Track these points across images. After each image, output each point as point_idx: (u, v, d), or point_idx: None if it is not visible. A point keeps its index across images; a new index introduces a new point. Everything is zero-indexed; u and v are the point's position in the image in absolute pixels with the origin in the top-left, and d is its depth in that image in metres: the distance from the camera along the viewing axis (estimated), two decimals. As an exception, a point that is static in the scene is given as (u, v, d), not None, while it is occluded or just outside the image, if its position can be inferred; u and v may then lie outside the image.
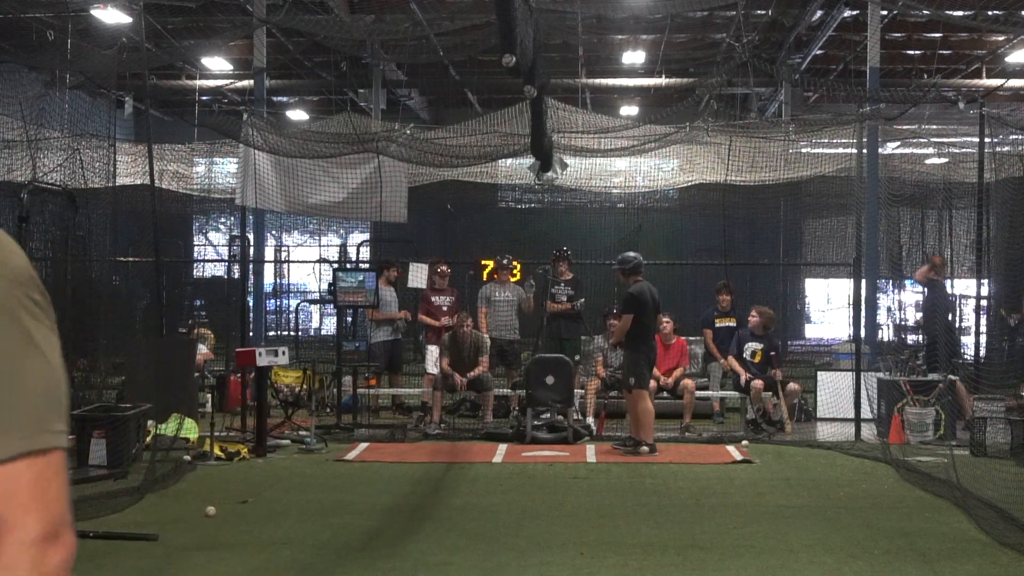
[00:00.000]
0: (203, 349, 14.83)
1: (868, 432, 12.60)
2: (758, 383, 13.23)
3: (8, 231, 1.27)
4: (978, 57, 21.22)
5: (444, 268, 14.64)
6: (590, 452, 11.59)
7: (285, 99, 26.43)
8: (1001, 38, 19.77)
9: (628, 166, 19.18)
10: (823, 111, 21.64)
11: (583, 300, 14.13)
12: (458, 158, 15.39)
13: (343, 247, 26.09)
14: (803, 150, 17.71)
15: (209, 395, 13.45)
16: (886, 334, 18.51)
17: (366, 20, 17.95)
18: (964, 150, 17.91)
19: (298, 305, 21.39)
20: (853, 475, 10.39)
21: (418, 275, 14.92)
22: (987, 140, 12.89)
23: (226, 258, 17.18)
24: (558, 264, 14.19)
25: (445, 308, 14.37)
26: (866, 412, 12.71)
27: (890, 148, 19.12)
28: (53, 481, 1.28)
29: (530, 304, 14.14)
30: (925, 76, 21.20)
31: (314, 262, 24.60)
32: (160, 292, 13.80)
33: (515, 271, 15.55)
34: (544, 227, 21.91)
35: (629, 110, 25.00)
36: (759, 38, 19.67)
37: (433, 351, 13.87)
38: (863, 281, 13.53)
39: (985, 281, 14.48)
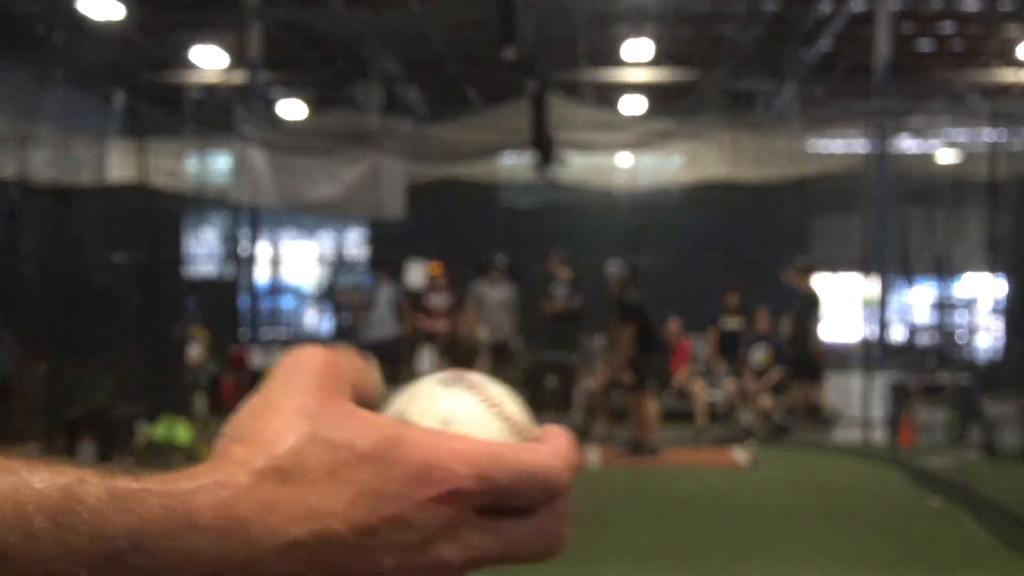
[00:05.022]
0: (196, 349, 14.69)
1: (877, 434, 12.46)
2: (729, 384, 13.14)
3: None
4: (991, 52, 21.03)
5: (435, 267, 14.46)
6: (592, 454, 11.43)
7: (280, 94, 26.31)
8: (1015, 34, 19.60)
9: (630, 162, 19.05)
10: (831, 107, 21.48)
11: (579, 300, 13.97)
12: (457, 154, 15.28)
13: (339, 245, 25.97)
14: (810, 146, 17.57)
15: (202, 396, 13.33)
16: (896, 334, 18.33)
17: (363, 14, 17.86)
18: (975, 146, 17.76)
19: (294, 304, 21.27)
20: (861, 478, 10.36)
21: (417, 274, 14.79)
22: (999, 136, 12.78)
23: (220, 256, 17.04)
24: (556, 263, 14.03)
25: (440, 308, 14.17)
26: (875, 413, 12.55)
27: (900, 144, 18.95)
28: None
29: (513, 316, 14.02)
30: (936, 71, 21.04)
31: (310, 260, 24.47)
32: (152, 291, 13.68)
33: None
34: (544, 226, 21.73)
35: (632, 105, 24.85)
36: (765, 32, 19.52)
37: (426, 352, 13.79)
38: (872, 280, 13.40)
39: (997, 280, 14.33)
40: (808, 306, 13.53)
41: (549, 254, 14.14)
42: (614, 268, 11.61)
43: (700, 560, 7.13)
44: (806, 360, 13.21)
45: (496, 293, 13.97)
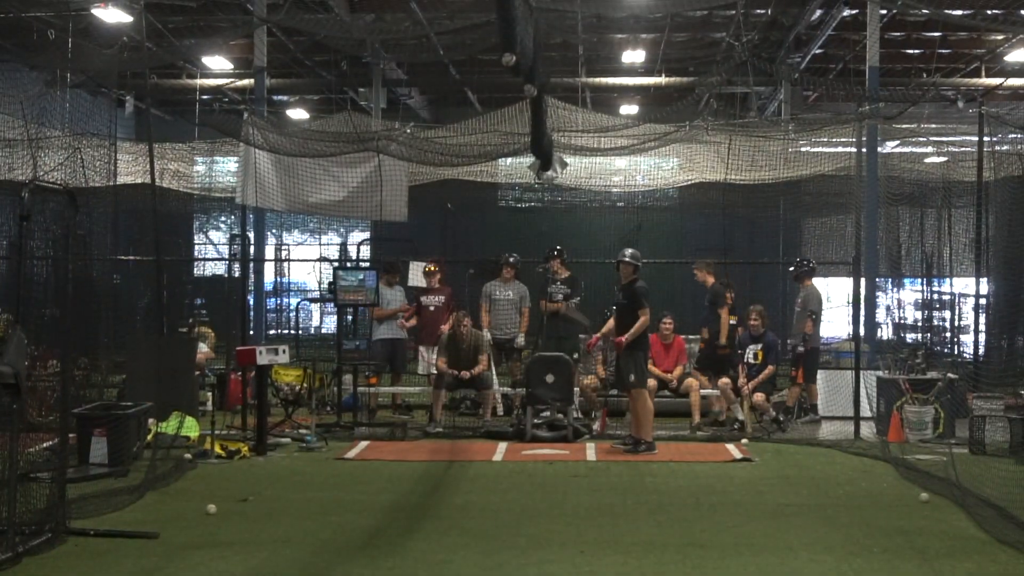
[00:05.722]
0: (203, 348, 14.84)
1: (867, 430, 12.63)
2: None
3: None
4: (977, 56, 21.21)
5: (431, 267, 14.54)
6: (590, 450, 11.61)
7: (285, 98, 26.42)
8: (1000, 37, 19.77)
9: (628, 165, 19.18)
10: (822, 110, 21.67)
11: (578, 299, 14.11)
12: (458, 157, 15.40)
13: (343, 246, 26.12)
14: (802, 149, 17.71)
15: (210, 393, 13.47)
16: (885, 333, 18.52)
17: (366, 19, 17.97)
18: (963, 149, 17.92)
19: (298, 304, 21.41)
20: (852, 473, 10.42)
21: (419, 274, 14.92)
22: (986, 139, 12.92)
23: (226, 257, 17.19)
24: (553, 263, 14.15)
25: (432, 308, 14.31)
26: (865, 410, 12.73)
27: (889, 147, 19.12)
28: None
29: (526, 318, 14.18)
30: (924, 75, 21.21)
31: (314, 261, 24.61)
32: (161, 291, 13.81)
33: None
34: (544, 226, 21.90)
35: (629, 109, 24.99)
36: (759, 37, 19.68)
37: (423, 352, 13.93)
38: (862, 280, 13.54)
39: (984, 280, 14.49)
40: (712, 303, 13.79)
41: (549, 254, 14.25)
42: (627, 258, 11.71)
43: (696, 553, 7.24)
44: (716, 353, 13.50)
45: (507, 291, 14.12)
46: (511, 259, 14.20)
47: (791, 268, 14.88)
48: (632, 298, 11.58)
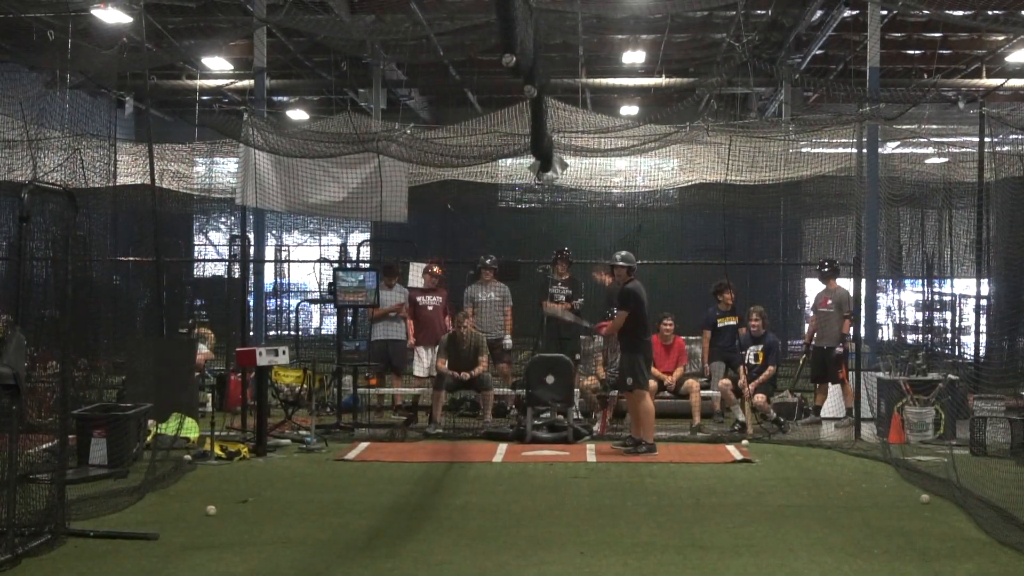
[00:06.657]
0: (203, 349, 14.85)
1: (868, 431, 12.64)
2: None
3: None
4: (978, 57, 21.21)
5: (436, 269, 14.52)
6: (590, 452, 11.61)
7: (285, 99, 26.43)
8: (1001, 38, 19.77)
9: (628, 166, 19.17)
10: (823, 111, 21.64)
11: (581, 300, 14.14)
12: (458, 158, 15.39)
13: (343, 247, 26.08)
14: (803, 150, 17.71)
15: (209, 394, 13.46)
16: (886, 334, 18.52)
17: (366, 20, 17.97)
18: (964, 150, 17.92)
19: (298, 305, 21.39)
20: (853, 474, 10.42)
21: (418, 274, 14.92)
22: (987, 140, 12.93)
23: (226, 258, 17.18)
24: (557, 264, 14.17)
25: (430, 308, 14.29)
26: (866, 412, 12.73)
27: (890, 148, 19.12)
28: None
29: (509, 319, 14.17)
30: (925, 76, 21.21)
31: (314, 262, 24.58)
32: (160, 292, 13.81)
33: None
34: (544, 227, 21.91)
35: (629, 110, 24.99)
36: (759, 38, 19.68)
37: (420, 352, 13.91)
38: (863, 281, 13.53)
39: (985, 281, 14.48)
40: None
41: (555, 256, 14.26)
42: (619, 261, 11.73)
43: (696, 554, 7.25)
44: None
45: (490, 293, 14.13)
46: (488, 261, 14.23)
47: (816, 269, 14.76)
48: (622, 300, 11.59)
